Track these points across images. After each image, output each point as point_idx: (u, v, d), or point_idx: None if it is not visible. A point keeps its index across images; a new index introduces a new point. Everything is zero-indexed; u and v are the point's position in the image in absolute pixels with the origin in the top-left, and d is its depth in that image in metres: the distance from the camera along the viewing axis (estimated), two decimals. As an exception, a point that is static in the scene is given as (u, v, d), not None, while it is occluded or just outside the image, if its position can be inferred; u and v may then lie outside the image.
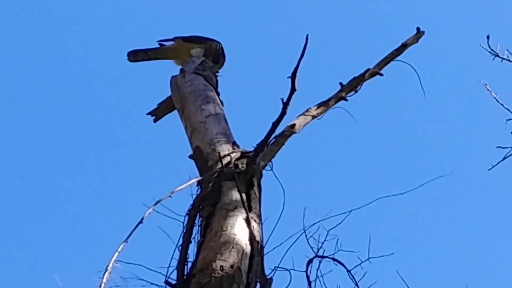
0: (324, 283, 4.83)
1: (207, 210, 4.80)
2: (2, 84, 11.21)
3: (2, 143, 10.90)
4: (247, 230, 4.66)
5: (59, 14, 11.67)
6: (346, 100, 5.77)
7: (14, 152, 10.88)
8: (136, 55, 6.85)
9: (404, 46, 6.02)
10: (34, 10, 11.65)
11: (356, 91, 5.81)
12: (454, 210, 9.50)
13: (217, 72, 6.48)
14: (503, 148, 6.67)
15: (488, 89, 6.80)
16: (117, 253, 4.50)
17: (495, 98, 6.73)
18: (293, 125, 5.43)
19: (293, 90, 4.92)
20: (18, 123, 11.14)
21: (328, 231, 4.90)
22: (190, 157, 5.46)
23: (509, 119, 6.66)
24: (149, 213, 4.68)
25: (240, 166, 5.04)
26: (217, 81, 6.28)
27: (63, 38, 11.53)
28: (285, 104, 4.94)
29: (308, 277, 4.84)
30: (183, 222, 4.83)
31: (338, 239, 4.90)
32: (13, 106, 11.16)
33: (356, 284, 4.82)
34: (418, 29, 6.06)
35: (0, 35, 11.25)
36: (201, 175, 5.18)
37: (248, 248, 4.57)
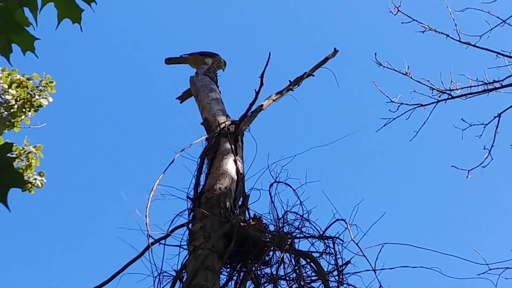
0: (280, 198, 5.43)
1: (211, 155, 5.69)
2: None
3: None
4: (234, 166, 5.50)
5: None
6: (293, 90, 6.79)
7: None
8: (169, 60, 7.87)
9: (326, 59, 7.06)
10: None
11: (298, 85, 6.82)
12: (353, 152, 12.00)
13: (217, 73, 7.28)
14: (384, 118, 8.63)
15: (375, 85, 8.64)
16: (158, 180, 5.43)
17: (380, 90, 8.60)
18: (262, 105, 6.41)
19: (261, 84, 5.90)
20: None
21: (282, 167, 5.58)
22: (201, 124, 6.35)
23: (388, 102, 8.59)
24: (177, 157, 5.62)
25: (231, 129, 5.89)
26: (217, 79, 7.22)
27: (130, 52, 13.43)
28: (257, 93, 5.94)
29: (270, 194, 5.44)
30: (197, 162, 5.70)
31: (288, 171, 5.57)
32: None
33: (298, 198, 5.43)
34: (335, 48, 7.18)
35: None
36: (207, 134, 6.03)
37: (235, 177, 5.41)
